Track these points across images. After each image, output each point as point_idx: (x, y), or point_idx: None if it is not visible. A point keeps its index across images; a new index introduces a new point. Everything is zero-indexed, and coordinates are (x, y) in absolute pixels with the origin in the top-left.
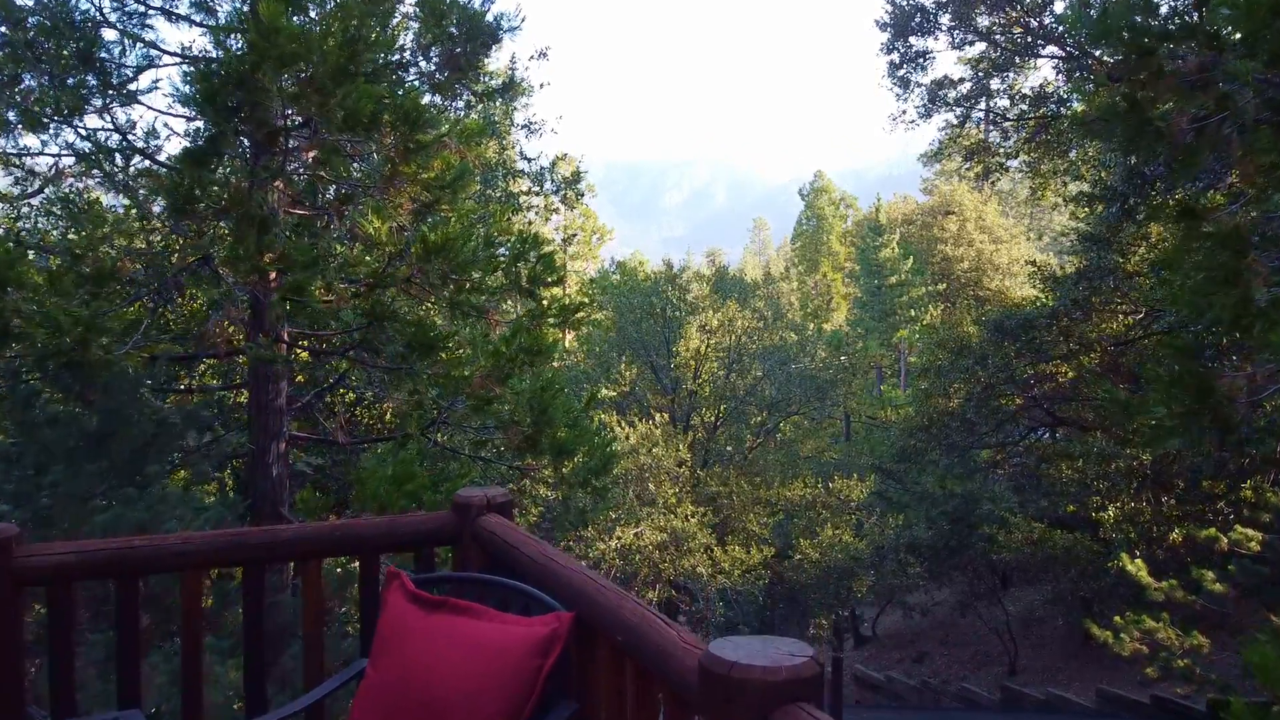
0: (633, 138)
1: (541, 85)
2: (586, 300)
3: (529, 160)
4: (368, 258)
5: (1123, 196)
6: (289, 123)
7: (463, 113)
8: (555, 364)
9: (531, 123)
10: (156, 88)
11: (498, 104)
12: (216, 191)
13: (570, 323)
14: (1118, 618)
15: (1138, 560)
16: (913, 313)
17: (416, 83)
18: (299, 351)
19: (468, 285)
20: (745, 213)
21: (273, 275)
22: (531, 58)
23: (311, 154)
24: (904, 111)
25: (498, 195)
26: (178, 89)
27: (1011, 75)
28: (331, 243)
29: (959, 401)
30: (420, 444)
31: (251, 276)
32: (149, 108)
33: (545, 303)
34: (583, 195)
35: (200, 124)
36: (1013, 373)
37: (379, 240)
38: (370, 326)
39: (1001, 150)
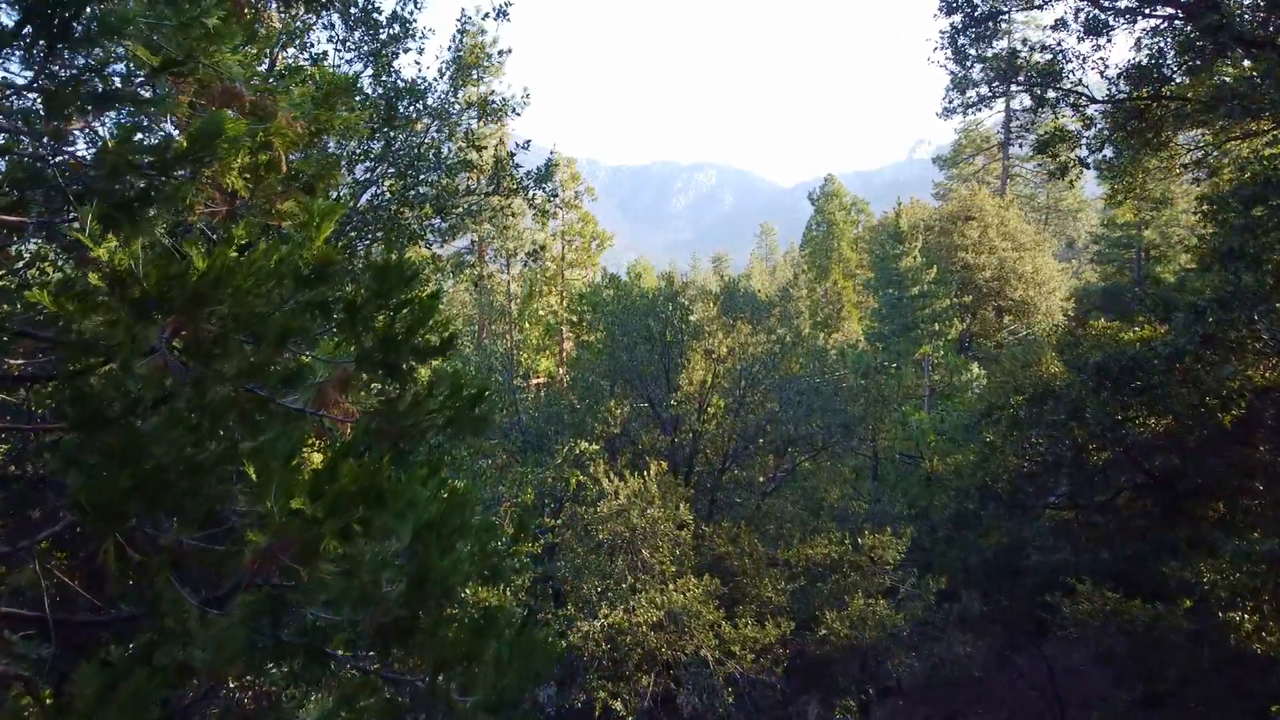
0: (639, 143)
1: (502, 53)
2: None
3: (479, 150)
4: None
5: None
6: None
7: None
8: (545, 377)
9: (488, 100)
10: None
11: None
12: None
13: (464, 427)
14: None
15: None
16: (936, 326)
17: None
18: None
19: (246, 362)
20: (752, 216)
21: None
22: (486, 16)
23: None
24: (964, 91)
25: (430, 194)
26: None
27: (1105, 42)
28: None
29: (1038, 458)
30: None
31: None
32: None
33: (421, 387)
34: (556, 196)
35: None
36: (1122, 432)
37: (106, 263)
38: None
39: (1084, 141)
